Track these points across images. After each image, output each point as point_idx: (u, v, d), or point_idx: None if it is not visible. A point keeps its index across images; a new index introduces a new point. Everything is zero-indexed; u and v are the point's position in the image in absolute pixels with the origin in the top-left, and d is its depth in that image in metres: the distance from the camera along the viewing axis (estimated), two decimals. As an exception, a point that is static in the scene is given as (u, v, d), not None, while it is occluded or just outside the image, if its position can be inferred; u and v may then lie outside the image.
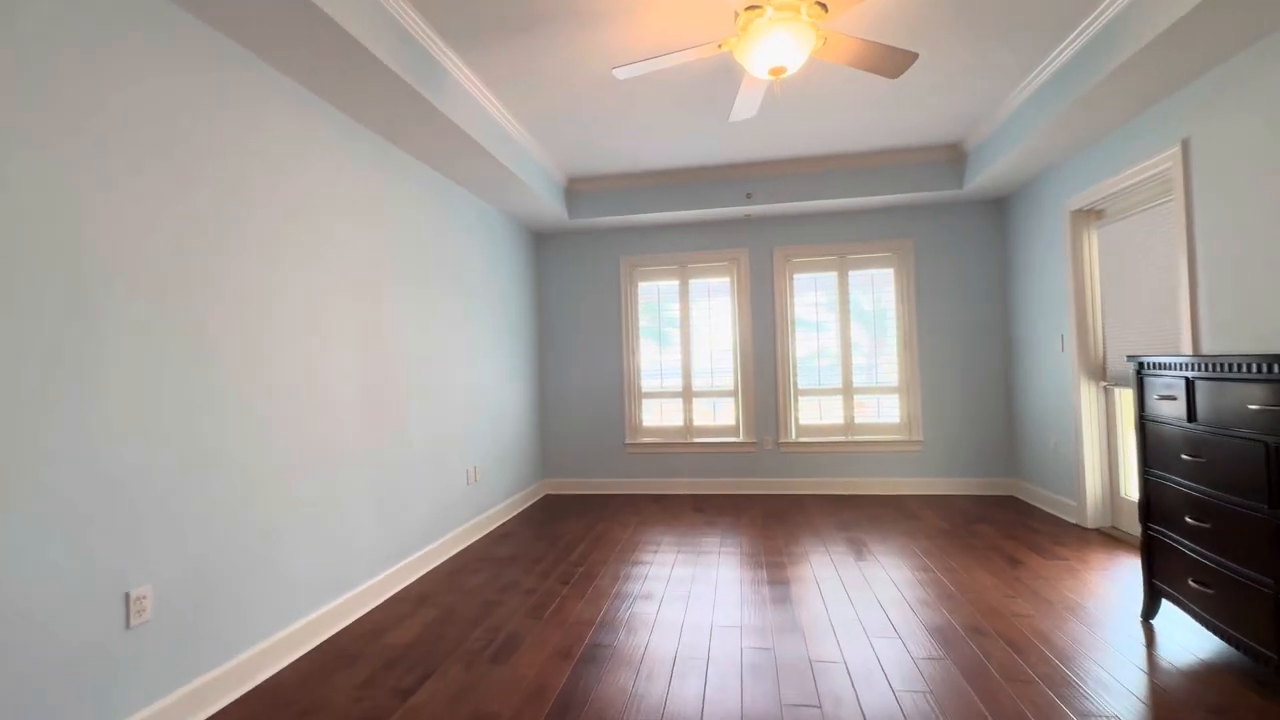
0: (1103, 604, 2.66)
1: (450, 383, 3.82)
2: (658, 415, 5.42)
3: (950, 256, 5.00)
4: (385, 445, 3.10)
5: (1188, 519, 2.19)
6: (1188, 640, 2.29)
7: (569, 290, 5.56)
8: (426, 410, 3.53)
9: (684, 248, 5.39)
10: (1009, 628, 2.45)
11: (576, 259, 5.55)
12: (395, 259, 3.27)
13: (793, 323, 5.20)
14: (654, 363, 5.42)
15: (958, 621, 2.52)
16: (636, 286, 5.47)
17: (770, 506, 4.74)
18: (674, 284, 5.41)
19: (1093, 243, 3.84)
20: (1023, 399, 4.64)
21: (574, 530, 4.22)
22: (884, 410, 5.08)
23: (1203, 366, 2.08)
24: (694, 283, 5.38)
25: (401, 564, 3.19)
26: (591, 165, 4.63)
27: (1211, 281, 2.78)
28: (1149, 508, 2.46)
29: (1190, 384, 2.16)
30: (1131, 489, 3.66)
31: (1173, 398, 2.26)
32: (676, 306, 5.39)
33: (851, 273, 5.13)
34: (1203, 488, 2.11)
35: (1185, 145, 2.89)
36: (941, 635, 2.40)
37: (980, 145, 4.27)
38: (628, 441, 5.40)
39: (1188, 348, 2.90)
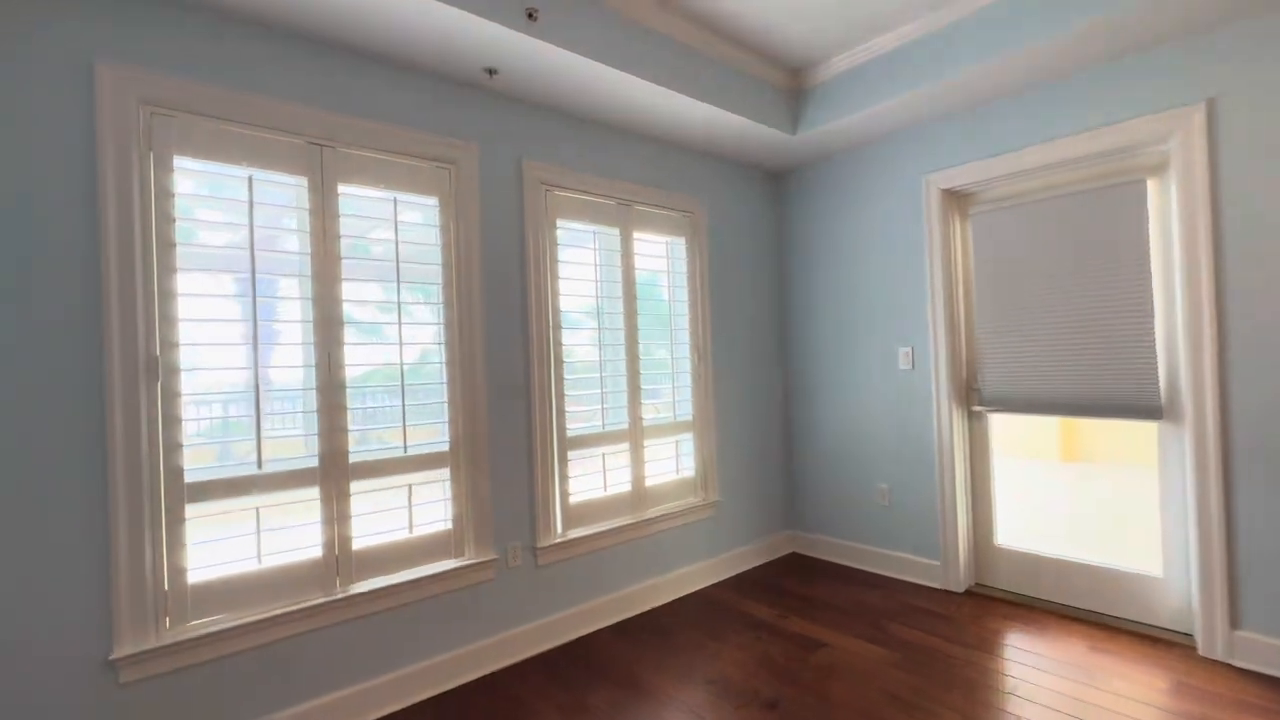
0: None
1: None
2: (242, 543, 1.92)
3: (741, 233, 3.59)
4: None
5: None
6: None
7: None
8: None
9: (329, 102, 2.14)
10: None
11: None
12: None
13: (557, 311, 2.73)
14: (230, 388, 1.92)
15: None
16: (167, 179, 1.84)
17: (568, 699, 2.15)
18: (298, 185, 2.07)
19: (964, 234, 3.10)
20: (826, 433, 3.62)
21: None
22: (681, 460, 3.21)
23: None
24: (350, 195, 2.20)
25: None
26: None
27: (1249, 281, 2.21)
28: None
29: None
30: (1008, 536, 3.01)
31: None
32: (296, 245, 2.07)
33: (638, 237, 3.07)
34: None
35: (1211, 105, 2.28)
36: None
37: (831, 83, 3.02)
38: (123, 654, 1.70)
39: (1209, 364, 2.27)
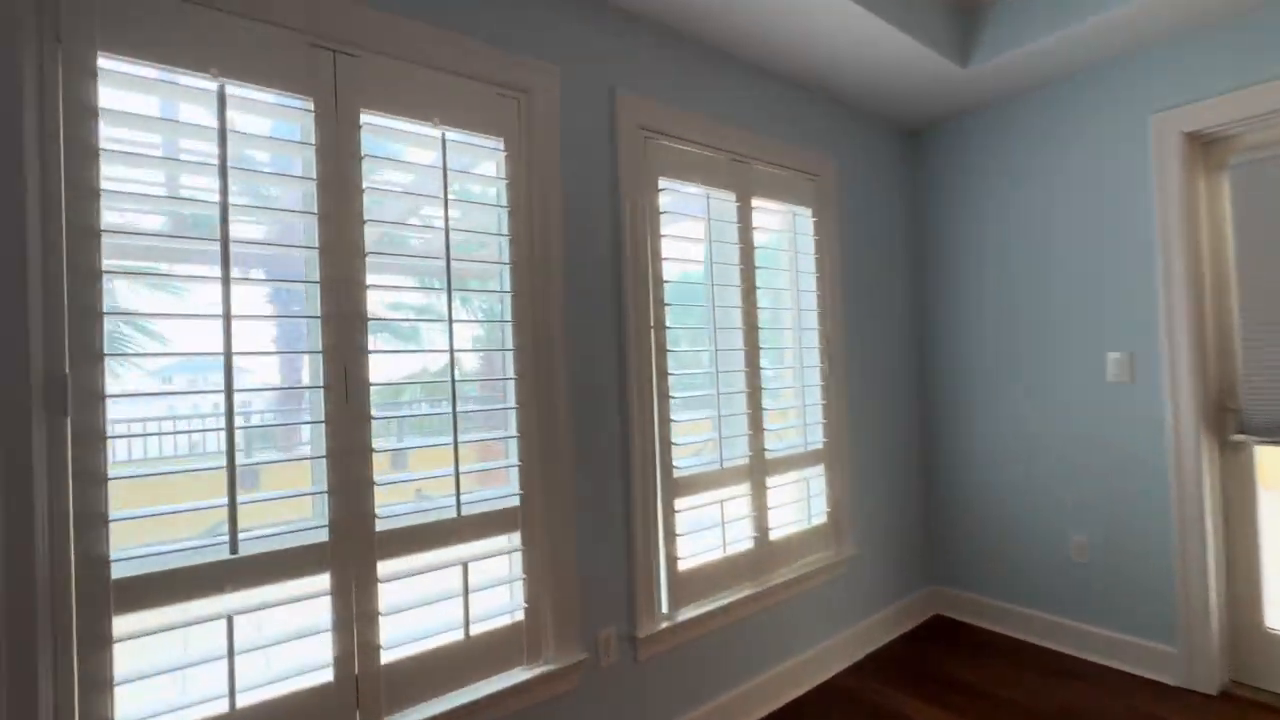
0: None
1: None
2: (207, 672, 1.21)
3: (872, 207, 2.79)
4: None
5: None
6: None
7: None
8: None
9: (343, -13, 1.43)
10: None
11: None
12: None
13: (660, 305, 1.97)
14: (186, 424, 1.21)
15: None
16: (85, 89, 1.15)
17: None
18: (301, 109, 1.36)
19: (1212, 195, 2.25)
20: (986, 463, 2.76)
21: None
22: (811, 502, 2.42)
23: None
24: (377, 128, 1.48)
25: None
26: None
27: None
28: None
29: None
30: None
31: None
32: (298, 201, 1.36)
33: (757, 205, 2.29)
34: None
35: None
36: None
37: (1023, -14, 2.20)
38: None
39: None
